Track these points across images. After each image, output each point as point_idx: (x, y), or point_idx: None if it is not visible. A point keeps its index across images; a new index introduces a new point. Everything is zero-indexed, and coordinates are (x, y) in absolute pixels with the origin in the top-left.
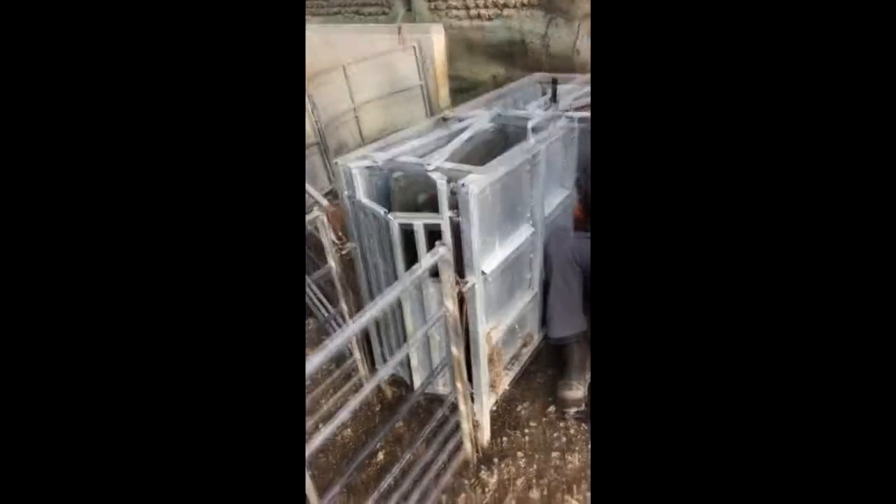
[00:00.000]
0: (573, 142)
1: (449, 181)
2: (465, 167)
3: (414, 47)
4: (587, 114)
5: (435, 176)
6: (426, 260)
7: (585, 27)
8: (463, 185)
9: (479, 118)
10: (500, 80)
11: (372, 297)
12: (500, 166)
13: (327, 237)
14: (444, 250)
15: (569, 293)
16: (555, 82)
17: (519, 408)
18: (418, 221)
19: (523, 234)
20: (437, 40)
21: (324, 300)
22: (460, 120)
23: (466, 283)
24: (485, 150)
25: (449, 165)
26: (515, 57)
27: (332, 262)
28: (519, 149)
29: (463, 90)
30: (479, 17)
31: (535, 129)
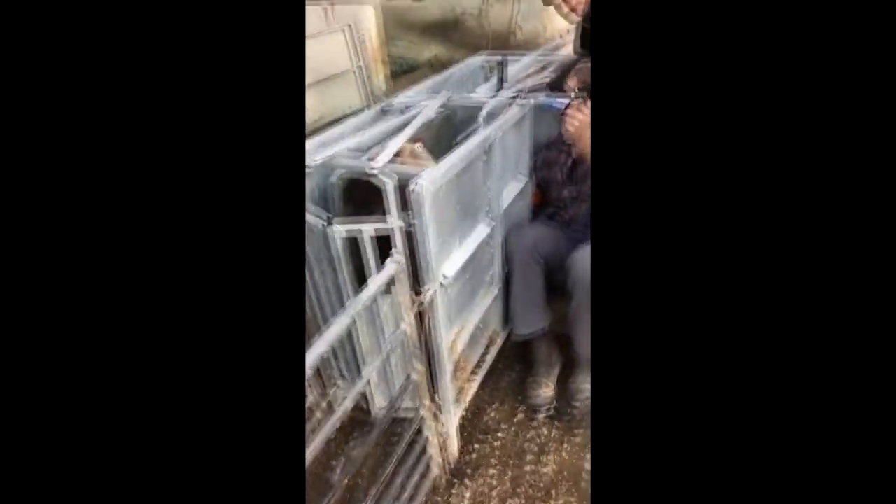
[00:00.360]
0: (525, 126)
1: (399, 182)
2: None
3: (345, 28)
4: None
5: (381, 176)
6: (378, 278)
7: (526, 2)
8: (414, 186)
9: (425, 106)
10: (441, 60)
11: (318, 320)
12: (453, 160)
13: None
14: (395, 267)
15: (531, 288)
16: (501, 63)
17: (488, 411)
18: (367, 228)
19: (483, 230)
20: (370, 19)
21: None
22: (404, 109)
23: (425, 294)
24: (434, 142)
25: (396, 164)
26: (453, 36)
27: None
28: (472, 139)
29: (403, 72)
30: None
31: (488, 116)
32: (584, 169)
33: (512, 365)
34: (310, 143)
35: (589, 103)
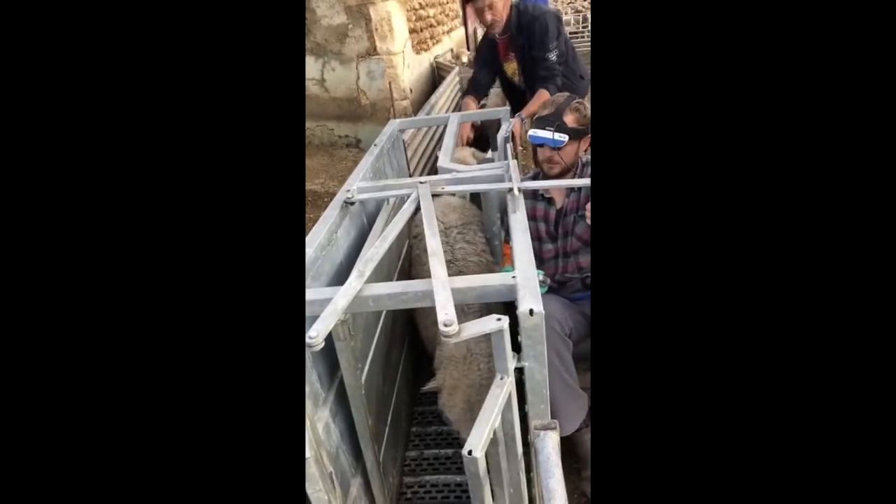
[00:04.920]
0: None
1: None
2: (484, 278)
3: None
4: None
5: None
6: None
7: (365, 66)
8: (532, 311)
9: (408, 198)
10: None
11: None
12: (530, 261)
13: None
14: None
15: (569, 374)
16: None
17: None
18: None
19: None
20: None
21: None
22: (366, 202)
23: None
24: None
25: (465, 283)
26: None
27: None
28: (517, 225)
29: None
30: None
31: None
32: (565, 223)
33: None
34: None
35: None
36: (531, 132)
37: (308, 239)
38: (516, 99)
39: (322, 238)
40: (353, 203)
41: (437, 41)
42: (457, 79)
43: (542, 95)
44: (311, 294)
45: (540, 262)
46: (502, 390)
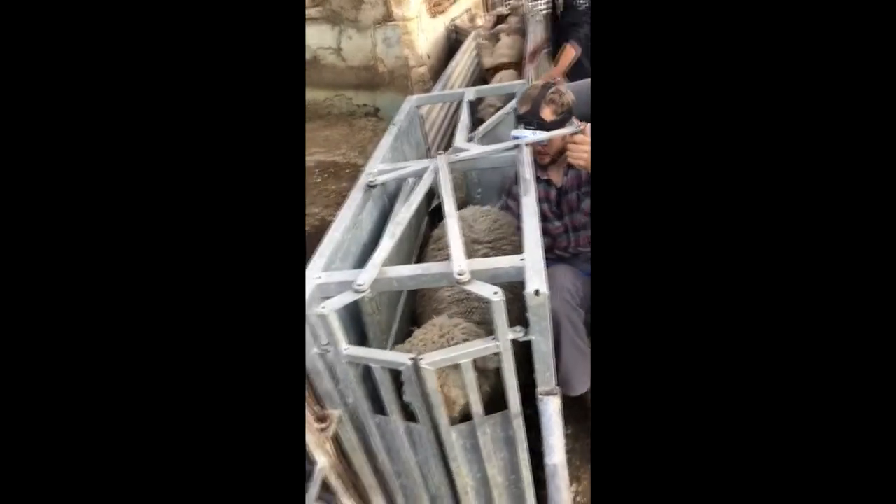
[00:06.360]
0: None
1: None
2: (497, 261)
3: None
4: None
5: (480, 290)
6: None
7: (381, 33)
8: (538, 291)
9: (425, 174)
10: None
11: (379, 471)
12: (537, 243)
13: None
14: (557, 402)
15: (581, 339)
16: (473, 105)
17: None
18: (465, 360)
19: None
20: None
21: None
22: (388, 183)
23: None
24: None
25: (481, 265)
26: (310, 77)
27: (323, 457)
28: (527, 209)
29: None
30: None
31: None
32: (568, 200)
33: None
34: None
35: (588, 128)
36: (514, 132)
37: (335, 224)
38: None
39: (348, 221)
40: (374, 186)
41: (453, 1)
42: (473, 44)
43: (567, 53)
44: (341, 276)
45: (552, 238)
46: (485, 345)
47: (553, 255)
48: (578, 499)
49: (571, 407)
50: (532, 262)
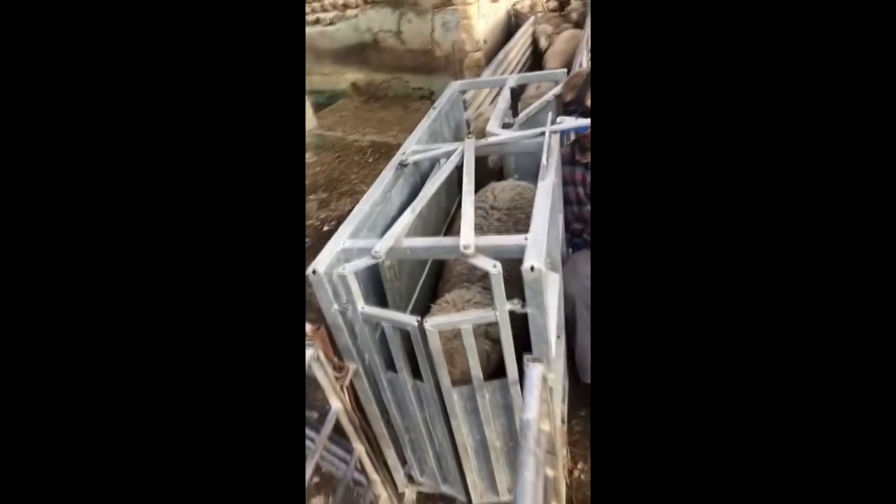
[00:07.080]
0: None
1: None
2: (501, 239)
3: None
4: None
5: (482, 263)
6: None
7: (440, 17)
8: (532, 267)
9: (452, 155)
10: (360, 86)
11: (391, 424)
12: (543, 225)
13: (324, 372)
14: (540, 368)
15: None
16: (515, 92)
17: (576, 474)
18: (466, 325)
19: (557, 285)
20: None
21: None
22: (420, 163)
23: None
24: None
25: (486, 241)
26: (370, 59)
27: (338, 402)
28: (541, 192)
29: (325, 105)
30: (317, 21)
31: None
32: None
33: (576, 412)
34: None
35: None
36: (558, 119)
37: (364, 197)
38: None
39: (377, 196)
40: (406, 165)
41: None
42: (530, 30)
43: None
44: (363, 243)
45: (584, 222)
46: (485, 314)
47: (581, 240)
48: (583, 477)
49: (587, 391)
50: (534, 242)
